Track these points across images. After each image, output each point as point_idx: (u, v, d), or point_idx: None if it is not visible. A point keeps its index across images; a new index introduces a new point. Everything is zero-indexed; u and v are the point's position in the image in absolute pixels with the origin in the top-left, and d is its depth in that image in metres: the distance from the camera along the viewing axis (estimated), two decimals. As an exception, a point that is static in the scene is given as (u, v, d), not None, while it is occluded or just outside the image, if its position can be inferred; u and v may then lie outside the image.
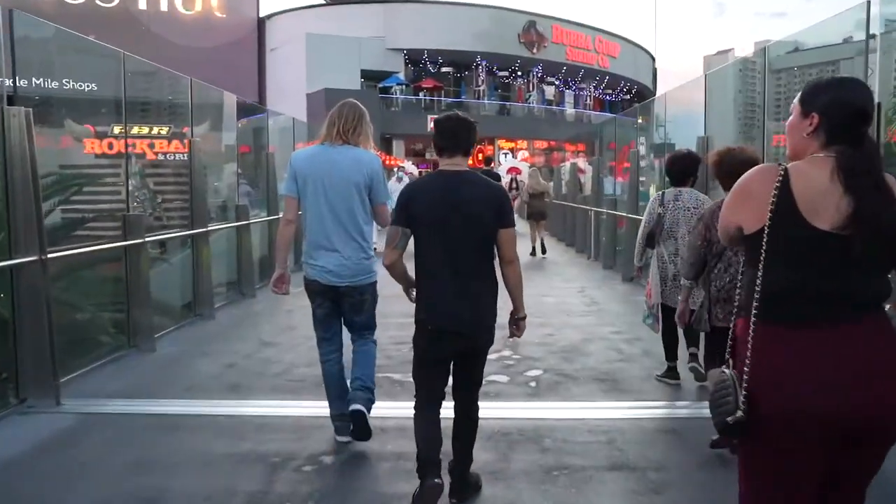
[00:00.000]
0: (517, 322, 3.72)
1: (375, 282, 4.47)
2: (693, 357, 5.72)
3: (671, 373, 5.82)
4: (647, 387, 5.84)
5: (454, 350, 3.56)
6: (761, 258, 2.12)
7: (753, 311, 2.15)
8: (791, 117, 2.25)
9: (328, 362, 4.57)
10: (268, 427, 4.94)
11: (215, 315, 8.69)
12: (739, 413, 2.09)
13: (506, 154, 40.68)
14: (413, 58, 41.54)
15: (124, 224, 6.80)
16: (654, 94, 52.07)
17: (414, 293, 3.68)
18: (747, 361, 2.14)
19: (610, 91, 50.77)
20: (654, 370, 6.17)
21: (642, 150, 14.05)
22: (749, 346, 2.14)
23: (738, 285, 2.36)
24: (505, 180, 18.26)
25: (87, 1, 35.92)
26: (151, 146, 9.29)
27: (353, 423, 4.37)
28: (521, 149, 41.76)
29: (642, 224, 6.02)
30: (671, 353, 5.87)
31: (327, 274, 4.27)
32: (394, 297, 5.48)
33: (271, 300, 10.06)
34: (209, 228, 8.71)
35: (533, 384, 5.93)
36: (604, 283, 11.68)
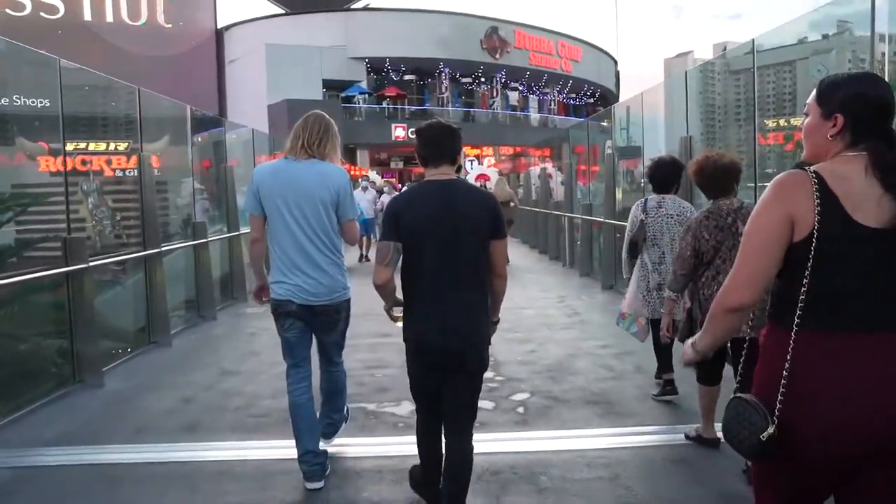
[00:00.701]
0: (493, 325, 3.58)
1: (350, 299, 4.25)
2: (669, 384, 5.49)
3: (670, 388, 5.47)
4: (644, 408, 5.37)
5: (443, 367, 3.35)
6: (808, 265, 2.00)
7: (796, 321, 2.01)
8: (808, 119, 2.13)
9: (296, 392, 4.22)
10: (227, 475, 4.36)
11: (172, 342, 8.05)
12: (772, 429, 1.97)
13: (471, 161, 40.52)
14: (375, 66, 40.91)
15: (65, 248, 6.18)
16: (618, 98, 52.50)
17: (397, 312, 3.48)
18: (784, 373, 2.00)
19: (574, 95, 50.68)
20: (649, 388, 5.72)
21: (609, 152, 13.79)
22: (789, 357, 2.00)
23: None
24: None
25: (31, 13, 34.89)
26: (109, 162, 8.78)
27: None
28: (487, 156, 41.57)
29: (626, 232, 5.77)
30: (666, 366, 5.56)
31: (302, 293, 4.03)
32: (364, 315, 5.10)
33: (232, 323, 9.49)
34: (163, 248, 8.08)
35: (520, 410, 5.41)
36: (582, 291, 11.23)
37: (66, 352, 6.40)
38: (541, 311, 9.51)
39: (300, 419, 4.17)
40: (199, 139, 12.14)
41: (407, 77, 42.91)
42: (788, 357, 2.00)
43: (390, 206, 3.46)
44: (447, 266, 3.27)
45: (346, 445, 4.72)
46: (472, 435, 3.47)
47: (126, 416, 5.61)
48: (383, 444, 4.81)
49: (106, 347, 6.99)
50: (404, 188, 20.07)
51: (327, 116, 4.22)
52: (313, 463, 4.09)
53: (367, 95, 40.44)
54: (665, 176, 5.55)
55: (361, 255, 15.97)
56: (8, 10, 33.80)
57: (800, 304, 2.01)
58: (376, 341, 7.80)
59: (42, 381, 6.24)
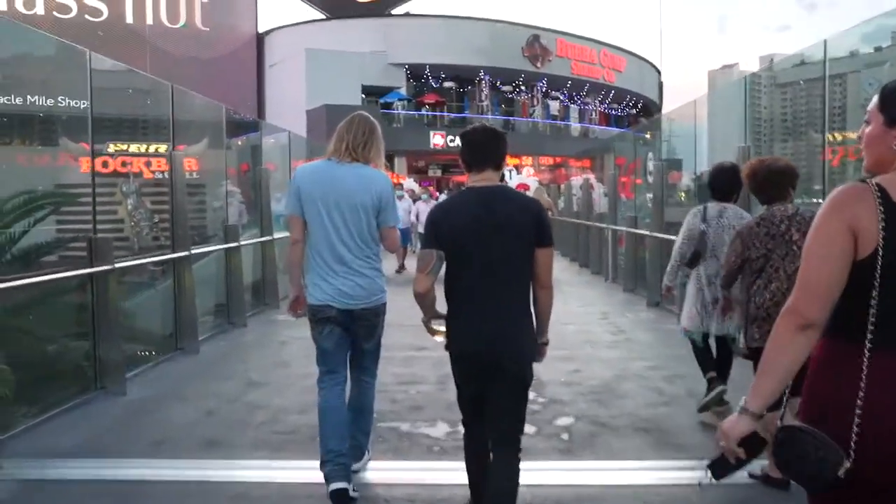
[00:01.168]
0: (540, 347, 3.39)
1: (386, 303, 4.15)
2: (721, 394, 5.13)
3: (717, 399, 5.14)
4: (700, 439, 4.92)
5: (483, 376, 3.21)
6: (876, 280, 1.86)
7: (868, 339, 1.86)
8: (870, 127, 1.99)
9: (329, 395, 4.05)
10: (246, 498, 4.03)
11: (199, 348, 7.77)
12: (849, 464, 1.79)
13: (510, 171, 40.05)
14: (415, 73, 40.59)
15: (90, 248, 5.92)
16: (661, 109, 51.72)
17: (436, 325, 3.35)
18: (861, 395, 1.83)
19: (616, 105, 49.87)
20: (703, 416, 5.28)
21: (651, 165, 13.64)
22: (864, 377, 1.84)
23: (780, 302, 2.41)
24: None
25: (76, 16, 35.29)
26: (148, 164, 8.97)
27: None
28: (526, 165, 41.05)
29: (679, 240, 5.43)
30: (706, 366, 5.34)
31: (342, 297, 3.92)
32: (398, 325, 4.84)
33: (262, 330, 9.21)
34: (192, 252, 7.81)
35: (565, 436, 5.01)
36: (627, 307, 10.77)
37: (89, 356, 6.13)
38: (583, 326, 9.07)
39: (328, 422, 3.98)
40: (239, 143, 12.02)
41: (446, 84, 42.47)
42: (863, 377, 1.84)
43: (431, 215, 3.37)
44: (489, 274, 3.16)
45: (376, 470, 4.37)
46: (518, 451, 3.27)
47: (146, 427, 5.31)
48: (417, 470, 4.46)
49: (131, 353, 6.74)
50: (442, 196, 19.79)
51: (372, 119, 4.10)
52: (337, 462, 3.87)
53: (405, 102, 40.15)
54: (727, 183, 5.23)
55: (400, 265, 15.49)
56: (55, 13, 34.32)
57: (871, 322, 1.87)
58: (411, 354, 7.45)
59: (63, 387, 5.96)
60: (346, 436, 3.99)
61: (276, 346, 8.18)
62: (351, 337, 4.07)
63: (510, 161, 40.35)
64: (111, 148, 8.53)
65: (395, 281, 12.57)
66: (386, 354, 4.78)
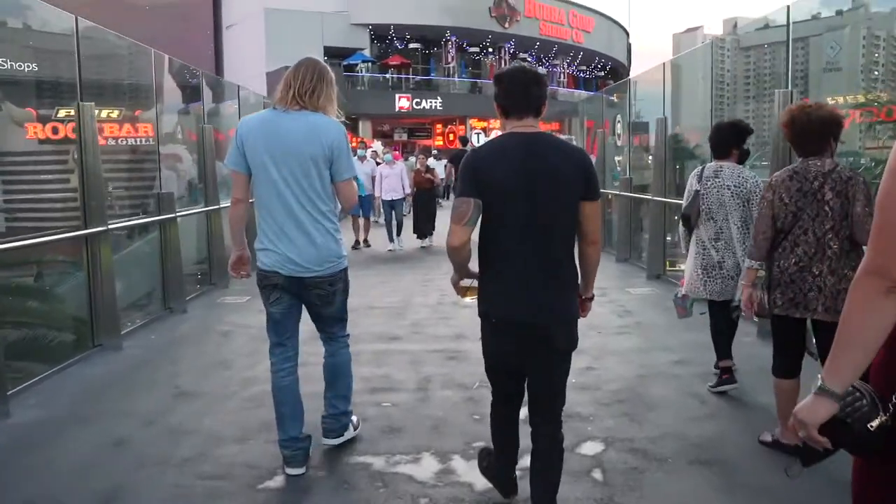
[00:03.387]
0: (583, 303, 3.17)
1: (346, 268, 3.87)
2: (725, 372, 4.96)
3: (727, 376, 4.97)
4: (776, 475, 3.64)
5: (528, 346, 2.96)
6: None
7: None
8: None
9: (280, 373, 3.84)
10: None
11: (122, 345, 6.32)
12: (884, 417, 1.58)
13: (478, 134, 38.88)
14: (379, 33, 39.13)
15: None
16: (629, 71, 51.00)
17: (466, 284, 3.12)
18: None
19: (584, 68, 48.82)
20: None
21: (619, 127, 13.42)
22: None
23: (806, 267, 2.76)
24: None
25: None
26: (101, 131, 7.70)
27: None
28: (494, 129, 39.87)
29: (683, 203, 5.19)
30: (724, 353, 5.04)
31: (289, 263, 3.65)
32: (364, 311, 4.10)
33: (204, 317, 7.76)
34: (110, 227, 6.32)
35: (597, 475, 3.70)
36: (625, 281, 9.45)
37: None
38: None
39: (283, 402, 3.81)
40: (190, 109, 10.68)
41: (412, 46, 41.21)
42: None
43: (468, 159, 2.97)
44: (535, 230, 2.88)
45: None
46: (562, 422, 3.13)
47: (23, 471, 3.87)
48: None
49: (19, 364, 5.28)
50: (411, 159, 18.29)
51: (323, 63, 3.78)
52: (296, 448, 3.75)
53: (370, 64, 38.79)
54: (722, 139, 4.98)
55: (357, 240, 13.88)
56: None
57: None
58: (382, 349, 6.11)
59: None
60: (302, 414, 3.84)
61: (217, 338, 6.76)
62: (306, 306, 3.82)
63: (477, 125, 39.34)
64: (62, 113, 7.23)
65: (356, 260, 11.12)
66: (351, 349, 4.16)
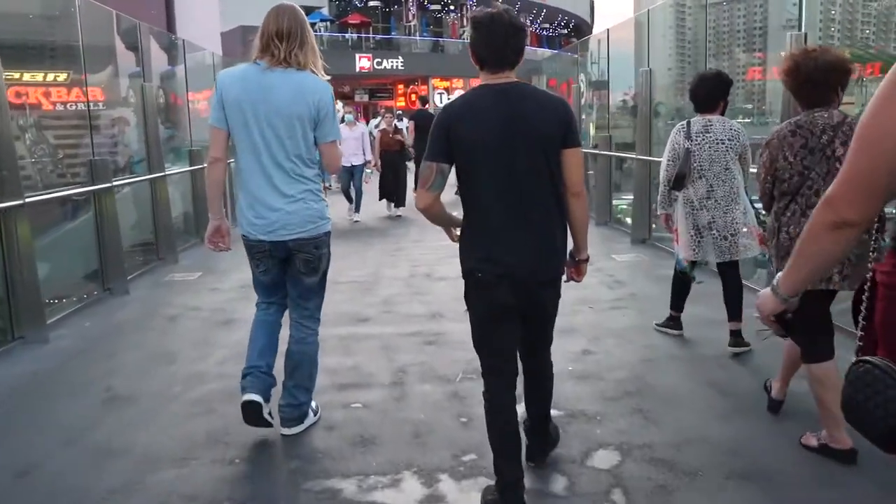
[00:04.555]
0: (578, 265, 3.09)
1: (329, 231, 3.65)
2: (735, 335, 4.74)
3: (674, 322, 5.20)
4: (833, 493, 3.01)
5: (511, 304, 2.81)
6: None
7: None
8: None
9: (264, 309, 3.75)
10: None
11: (48, 336, 5.49)
12: None
13: (440, 93, 38.01)
14: (337, -9, 37.93)
15: None
16: (592, 29, 50.40)
17: (458, 232, 2.96)
18: None
19: (547, 26, 47.97)
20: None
21: (582, 86, 13.43)
22: None
23: None
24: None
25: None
26: (48, 95, 7.56)
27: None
28: (458, 88, 39.05)
29: (664, 162, 4.91)
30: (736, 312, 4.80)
31: (272, 227, 3.44)
32: (329, 285, 3.90)
33: (149, 298, 6.95)
34: (27, 200, 5.44)
35: (617, 496, 3.02)
36: (608, 247, 8.78)
37: None
38: None
39: (258, 336, 3.69)
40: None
41: (371, 3, 40.16)
42: None
43: (440, 117, 2.81)
44: (518, 186, 2.75)
45: None
46: (550, 354, 3.17)
47: None
48: None
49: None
50: (373, 122, 17.43)
51: (301, 11, 3.51)
52: (255, 374, 3.60)
53: (328, 23, 37.71)
54: (710, 91, 4.76)
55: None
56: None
57: None
58: (350, 332, 5.40)
59: None
60: (273, 354, 3.70)
61: (162, 324, 5.96)
62: (291, 271, 3.61)
63: (440, 84, 38.47)
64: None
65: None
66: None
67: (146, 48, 9.16)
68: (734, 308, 4.78)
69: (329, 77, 3.58)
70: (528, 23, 46.71)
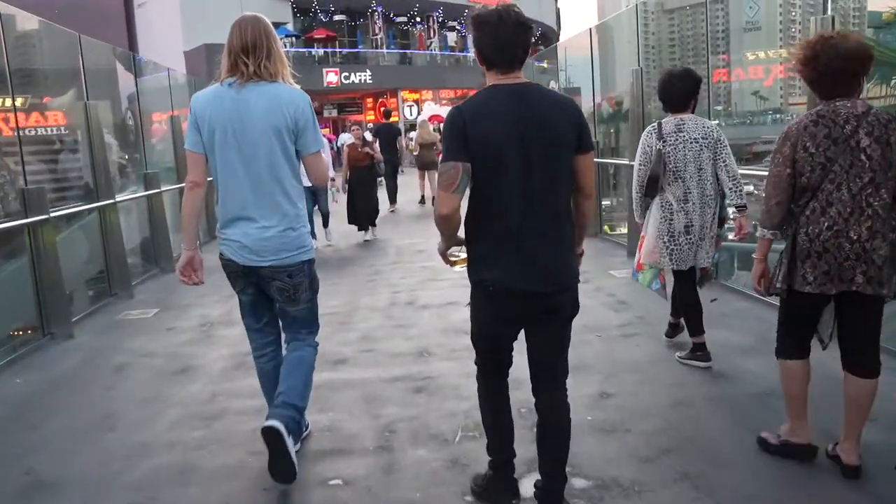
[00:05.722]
0: (577, 257, 2.96)
1: (312, 259, 3.43)
2: (698, 349, 4.59)
3: (701, 353, 4.57)
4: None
5: (527, 314, 2.74)
6: None
7: None
8: None
9: (262, 359, 3.58)
10: None
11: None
12: None
13: (410, 106, 37.45)
14: (301, 6, 37.31)
15: None
16: (559, 36, 50.25)
17: (458, 253, 2.88)
18: None
19: (515, 34, 47.65)
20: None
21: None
22: None
23: (842, 231, 2.56)
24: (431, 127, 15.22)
25: None
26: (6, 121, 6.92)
27: (268, 448, 3.11)
28: (427, 100, 38.58)
29: (636, 166, 4.67)
30: (696, 328, 4.63)
31: (243, 251, 3.28)
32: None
33: (96, 344, 6.12)
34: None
35: None
36: (603, 262, 8.09)
37: None
38: None
39: (270, 387, 3.49)
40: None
41: (337, 18, 39.48)
42: None
43: (453, 117, 2.66)
44: (533, 190, 2.62)
45: None
46: (566, 388, 2.89)
47: None
48: None
49: None
50: (344, 135, 16.72)
51: (265, 18, 3.31)
52: (279, 404, 3.25)
53: (294, 39, 37.09)
54: (682, 90, 4.51)
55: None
56: None
57: None
58: (325, 379, 4.60)
59: None
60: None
61: (106, 377, 5.14)
62: (269, 297, 3.43)
63: (409, 97, 37.95)
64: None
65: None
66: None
67: (92, 65, 8.35)
68: (698, 321, 4.61)
69: (298, 86, 3.38)
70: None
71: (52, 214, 6.26)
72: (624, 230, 9.25)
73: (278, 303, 3.44)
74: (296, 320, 3.50)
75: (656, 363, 4.68)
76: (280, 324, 3.58)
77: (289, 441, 3.11)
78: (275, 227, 3.26)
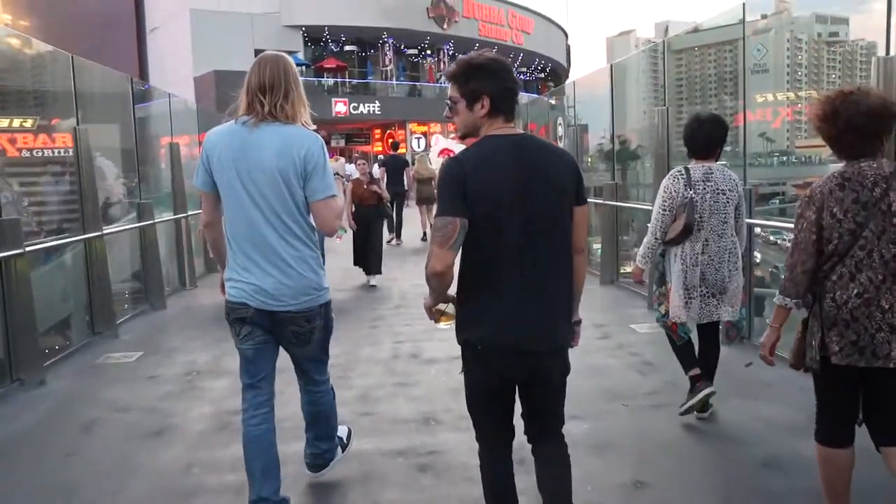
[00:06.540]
0: (574, 327, 2.81)
1: (329, 301, 3.40)
2: (695, 380, 4.38)
3: (700, 383, 4.32)
4: None
5: (518, 376, 2.67)
6: None
7: None
8: None
9: (251, 421, 3.30)
10: None
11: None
12: None
13: (418, 138, 37.29)
14: (313, 35, 37.47)
15: None
16: (568, 73, 50.25)
17: (445, 308, 2.74)
18: None
19: (525, 69, 47.72)
20: None
21: (560, 130, 13.34)
22: None
23: (873, 299, 2.41)
24: (437, 163, 14.77)
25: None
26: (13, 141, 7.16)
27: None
28: (435, 132, 38.43)
29: (656, 212, 4.40)
30: (688, 363, 4.48)
31: (260, 294, 3.18)
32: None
33: (69, 392, 5.59)
34: None
35: None
36: (623, 313, 7.53)
37: None
38: (586, 359, 5.57)
39: (255, 457, 3.26)
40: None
41: (347, 48, 39.72)
42: None
43: (452, 168, 2.59)
44: (532, 245, 2.56)
45: None
46: (563, 437, 2.80)
47: None
48: None
49: None
50: (349, 167, 16.32)
51: (287, 57, 3.29)
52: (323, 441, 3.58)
53: (304, 68, 37.07)
54: (710, 135, 4.39)
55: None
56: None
57: None
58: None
59: None
60: (277, 473, 3.29)
61: (71, 437, 4.58)
62: (279, 343, 3.35)
63: (417, 129, 37.80)
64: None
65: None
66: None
67: (86, 87, 7.91)
68: (710, 371, 4.51)
69: (314, 127, 3.30)
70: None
71: (28, 249, 5.74)
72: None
73: (289, 345, 3.38)
74: (305, 358, 3.48)
75: (693, 440, 4.13)
76: (274, 382, 3.42)
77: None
78: (293, 271, 3.19)
